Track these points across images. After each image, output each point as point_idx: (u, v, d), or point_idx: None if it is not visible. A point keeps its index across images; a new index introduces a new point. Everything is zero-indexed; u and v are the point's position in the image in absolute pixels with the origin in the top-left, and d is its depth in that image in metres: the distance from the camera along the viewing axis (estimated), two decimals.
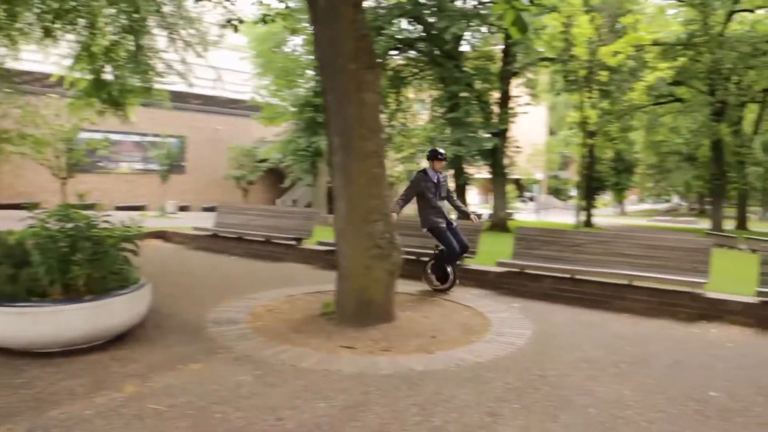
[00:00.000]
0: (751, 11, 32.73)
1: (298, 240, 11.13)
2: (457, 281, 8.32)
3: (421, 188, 8.17)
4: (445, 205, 8.35)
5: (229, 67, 34.19)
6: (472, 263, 9.30)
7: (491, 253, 9.11)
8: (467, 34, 26.21)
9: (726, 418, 4.26)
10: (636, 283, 7.78)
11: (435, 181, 8.20)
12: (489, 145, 24.13)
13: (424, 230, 8.25)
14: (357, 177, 6.32)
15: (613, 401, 4.49)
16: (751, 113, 37.96)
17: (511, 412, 4.24)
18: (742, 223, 38.07)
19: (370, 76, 6.32)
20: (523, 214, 45.99)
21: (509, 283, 8.61)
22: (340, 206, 6.48)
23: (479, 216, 8.80)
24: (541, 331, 6.49)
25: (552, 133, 59.48)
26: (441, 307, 7.52)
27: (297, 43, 27.74)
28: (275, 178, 35.28)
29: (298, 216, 11.80)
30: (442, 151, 8.36)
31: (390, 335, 6.09)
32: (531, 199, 58.67)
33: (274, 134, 31.64)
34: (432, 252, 8.48)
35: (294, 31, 21.50)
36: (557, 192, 65.02)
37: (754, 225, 42.77)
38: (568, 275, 8.19)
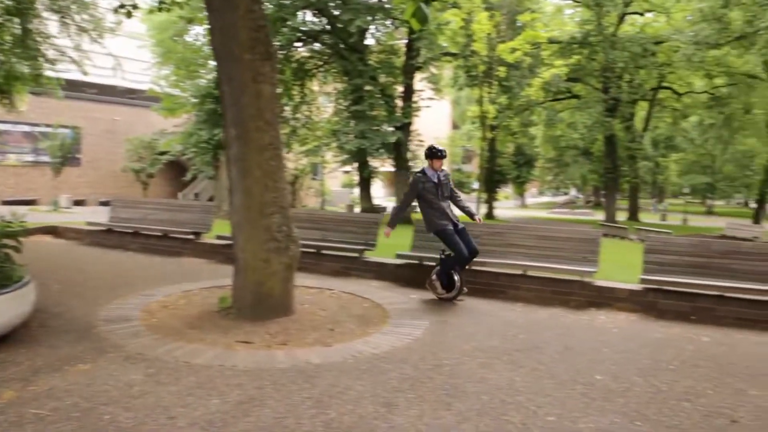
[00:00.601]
0: (641, 14, 34.49)
1: (197, 234, 10.88)
2: (465, 289, 7.72)
3: (420, 190, 7.57)
4: (450, 205, 7.70)
5: (127, 56, 33.01)
6: (372, 255, 9.39)
7: (391, 246, 9.18)
8: (372, 28, 26.32)
9: (608, 399, 4.47)
10: (530, 272, 8.04)
11: (435, 181, 7.55)
12: (392, 139, 24.29)
13: (431, 234, 7.69)
14: (253, 169, 6.24)
15: (504, 388, 4.62)
16: (641, 110, 39.99)
17: (406, 401, 4.29)
18: (633, 215, 40.09)
19: (266, 67, 6.24)
20: None
21: (407, 275, 8.70)
22: (237, 199, 6.38)
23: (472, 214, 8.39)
24: (438, 322, 6.61)
25: (455, 127, 60.59)
26: (340, 299, 7.53)
27: (198, 33, 27.07)
28: (177, 171, 34.35)
29: (196, 209, 11.53)
30: (441, 147, 7.72)
31: (288, 329, 6.05)
32: None
33: (174, 126, 30.79)
34: (438, 257, 7.73)
35: (191, 20, 20.94)
36: (461, 185, 66.30)
37: (648, 216, 45.14)
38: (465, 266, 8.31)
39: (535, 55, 27.91)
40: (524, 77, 26.82)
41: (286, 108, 28.39)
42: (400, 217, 7.94)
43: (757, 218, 39.17)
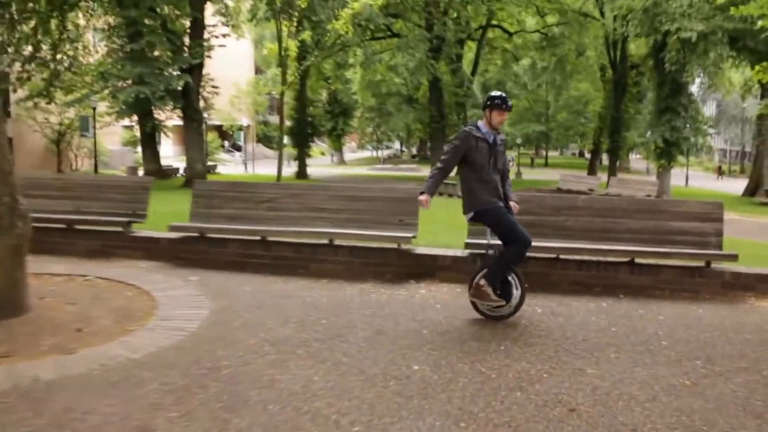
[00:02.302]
0: None
1: None
2: (525, 297, 6.20)
3: (469, 149, 6.05)
4: (499, 180, 6.19)
5: None
6: (141, 229, 8.93)
7: (168, 215, 8.62)
8: None
9: (428, 395, 4.32)
10: (338, 242, 7.92)
11: (490, 141, 6.09)
12: (179, 84, 23.67)
13: (469, 217, 6.16)
14: None
15: (299, 392, 4.33)
16: (470, 52, 41.66)
17: (167, 423, 3.84)
18: None
19: None
20: (229, 166, 46.06)
21: (186, 252, 8.34)
22: None
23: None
24: (221, 309, 6.29)
25: (259, 71, 59.95)
26: (95, 288, 6.92)
27: None
28: None
29: None
30: (503, 95, 6.25)
31: (16, 334, 5.35)
32: (238, 149, 58.97)
33: None
34: (484, 252, 6.40)
35: None
36: (268, 140, 65.80)
37: None
38: (258, 237, 8.11)
39: None
40: (333, 10, 26.78)
41: (44, 47, 26.85)
42: (439, 183, 6.26)
43: (592, 169, 42.39)
